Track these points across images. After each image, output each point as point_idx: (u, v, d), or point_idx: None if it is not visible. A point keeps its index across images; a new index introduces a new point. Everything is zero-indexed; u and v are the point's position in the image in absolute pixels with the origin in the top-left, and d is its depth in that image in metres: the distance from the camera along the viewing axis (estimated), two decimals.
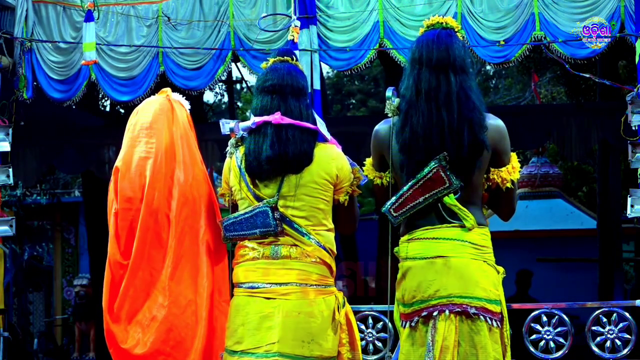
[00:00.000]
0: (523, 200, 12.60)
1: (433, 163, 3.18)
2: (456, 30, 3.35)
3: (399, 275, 3.33)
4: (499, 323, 3.22)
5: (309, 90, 5.54)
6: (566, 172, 15.16)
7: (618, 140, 6.62)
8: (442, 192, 3.20)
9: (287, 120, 3.46)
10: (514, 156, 3.33)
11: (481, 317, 3.17)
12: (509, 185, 3.30)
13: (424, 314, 3.21)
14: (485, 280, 3.20)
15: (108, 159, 9.61)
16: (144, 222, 3.66)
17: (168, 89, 3.94)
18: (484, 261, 3.24)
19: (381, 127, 3.39)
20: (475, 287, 3.18)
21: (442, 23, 3.34)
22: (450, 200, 3.20)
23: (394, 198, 3.28)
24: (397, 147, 3.28)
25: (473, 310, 3.16)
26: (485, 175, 3.30)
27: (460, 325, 3.17)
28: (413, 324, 3.25)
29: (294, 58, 3.64)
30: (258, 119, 3.50)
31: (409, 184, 3.24)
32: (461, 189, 3.20)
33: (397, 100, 3.31)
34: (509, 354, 3.27)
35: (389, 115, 3.34)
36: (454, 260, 3.20)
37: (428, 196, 3.21)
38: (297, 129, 3.47)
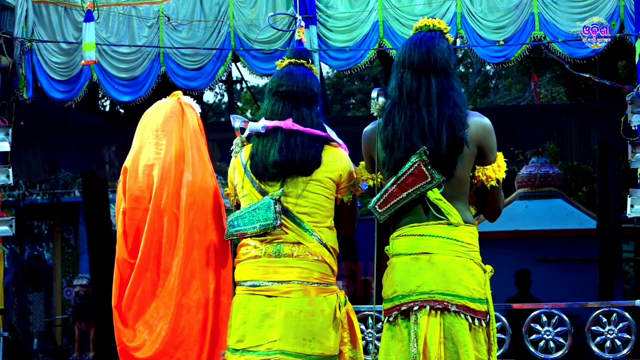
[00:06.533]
0: (523, 200, 12.61)
1: (414, 158, 3.23)
2: (444, 32, 3.39)
3: (385, 272, 3.36)
4: (483, 322, 3.23)
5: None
6: (566, 172, 15.16)
7: (618, 140, 6.63)
8: (425, 187, 3.24)
9: (298, 127, 3.48)
10: (500, 156, 3.36)
11: (462, 315, 3.18)
12: (493, 183, 3.32)
13: (403, 308, 3.23)
14: (470, 279, 3.22)
15: (109, 159, 9.63)
16: (152, 222, 3.68)
17: (179, 92, 3.97)
18: (470, 259, 3.25)
19: (368, 127, 3.46)
20: (457, 285, 3.19)
21: (428, 26, 3.39)
22: (435, 194, 3.23)
23: (378, 194, 3.33)
24: (380, 145, 3.33)
25: (454, 308, 3.18)
26: (471, 174, 3.32)
27: (442, 321, 3.18)
28: (391, 318, 3.27)
29: (310, 60, 3.66)
30: (269, 124, 3.51)
31: (392, 180, 3.28)
32: (445, 184, 3.23)
33: (382, 100, 3.36)
34: (494, 352, 3.28)
35: (375, 115, 3.40)
36: (438, 257, 3.22)
37: (411, 191, 3.25)
38: (307, 136, 3.49)
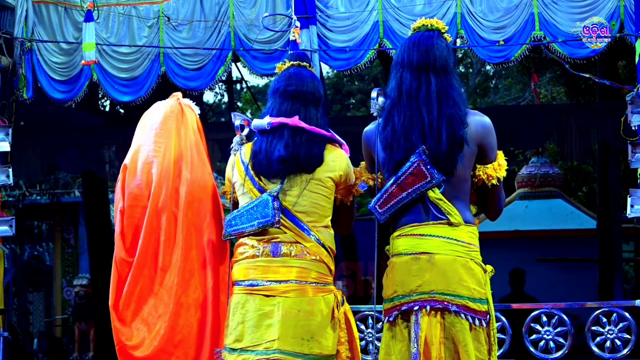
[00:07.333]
0: (523, 200, 12.62)
1: (414, 157, 3.24)
2: (442, 31, 3.40)
3: (386, 272, 3.37)
4: (484, 322, 3.23)
5: None
6: (566, 172, 15.16)
7: (618, 140, 6.62)
8: (425, 186, 3.24)
9: (304, 125, 3.50)
10: (500, 154, 3.37)
11: (462, 315, 3.19)
12: (494, 182, 3.33)
13: (403, 308, 3.25)
14: (470, 279, 3.22)
15: (108, 159, 9.63)
16: (150, 220, 3.69)
17: (179, 93, 3.99)
18: (471, 259, 3.26)
19: (368, 128, 3.48)
20: (458, 285, 3.20)
21: (426, 25, 3.40)
22: (435, 194, 3.24)
23: (379, 194, 3.35)
24: (380, 145, 3.32)
25: (454, 308, 3.19)
26: (471, 173, 3.33)
27: (442, 321, 3.19)
28: (392, 318, 3.28)
29: (311, 64, 3.69)
30: (275, 120, 3.52)
31: (392, 179, 3.29)
32: (445, 184, 3.23)
33: (382, 100, 3.37)
34: (495, 352, 3.28)
35: (375, 114, 3.41)
36: (439, 257, 3.23)
37: (411, 191, 3.26)
38: (311, 134, 3.51)
